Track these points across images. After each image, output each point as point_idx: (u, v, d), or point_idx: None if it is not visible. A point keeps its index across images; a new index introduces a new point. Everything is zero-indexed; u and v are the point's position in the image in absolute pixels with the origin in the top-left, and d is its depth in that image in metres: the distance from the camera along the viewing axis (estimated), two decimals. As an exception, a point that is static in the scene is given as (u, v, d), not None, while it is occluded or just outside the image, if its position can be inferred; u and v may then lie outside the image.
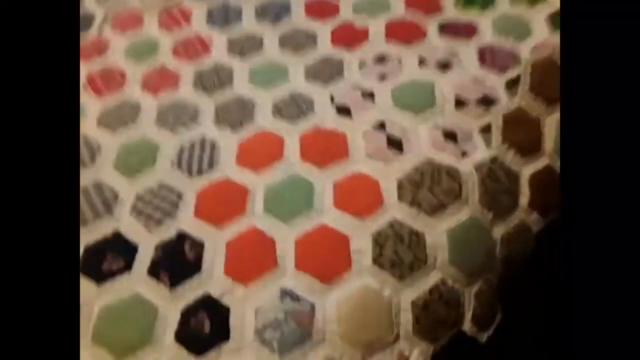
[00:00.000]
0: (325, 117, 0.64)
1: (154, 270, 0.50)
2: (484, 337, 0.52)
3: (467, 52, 0.69)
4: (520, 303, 0.56)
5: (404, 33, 0.73)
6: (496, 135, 0.58)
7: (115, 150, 0.63)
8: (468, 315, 0.50)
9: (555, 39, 0.70)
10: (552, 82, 0.62)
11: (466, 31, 0.73)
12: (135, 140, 0.64)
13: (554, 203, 0.55)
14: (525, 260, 0.56)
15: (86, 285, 0.49)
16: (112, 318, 0.46)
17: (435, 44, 0.71)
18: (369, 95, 0.65)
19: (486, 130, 0.59)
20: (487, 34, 0.72)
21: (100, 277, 0.50)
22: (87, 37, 0.81)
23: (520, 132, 0.59)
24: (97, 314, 0.46)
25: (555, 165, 0.59)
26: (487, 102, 0.62)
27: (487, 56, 0.68)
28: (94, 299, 0.47)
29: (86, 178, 0.60)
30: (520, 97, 0.62)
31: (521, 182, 0.56)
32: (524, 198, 0.56)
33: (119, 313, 0.47)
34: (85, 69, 0.75)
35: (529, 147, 0.59)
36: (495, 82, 0.64)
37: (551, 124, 0.60)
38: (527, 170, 0.57)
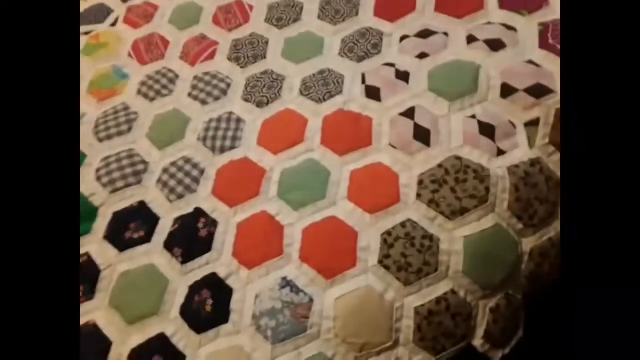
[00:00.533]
0: (352, 98, 0.60)
1: (170, 244, 0.53)
2: (498, 355, 0.48)
3: (527, 28, 0.58)
4: (546, 323, 0.51)
5: (458, 1, 0.64)
6: (543, 132, 0.50)
7: (150, 120, 0.66)
8: (480, 331, 0.47)
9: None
10: None
11: (531, 1, 0.61)
12: (168, 111, 0.66)
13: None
14: (557, 278, 0.49)
15: (110, 251, 0.54)
16: (127, 285, 0.51)
17: (493, 17, 0.62)
18: (403, 75, 0.59)
19: (533, 125, 0.51)
20: (557, 5, 0.60)
21: (122, 244, 0.54)
22: (135, 2, 0.83)
23: None
24: (116, 279, 0.51)
25: None
26: (539, 91, 0.53)
27: (551, 34, 0.57)
28: (115, 264, 0.52)
29: (121, 145, 0.64)
30: None
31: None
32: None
33: (133, 281, 0.51)
34: (133, 36, 0.78)
35: None
36: (554, 68, 0.54)
37: None
38: None
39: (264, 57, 0.69)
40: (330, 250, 0.49)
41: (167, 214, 0.56)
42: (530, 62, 0.55)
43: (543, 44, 0.57)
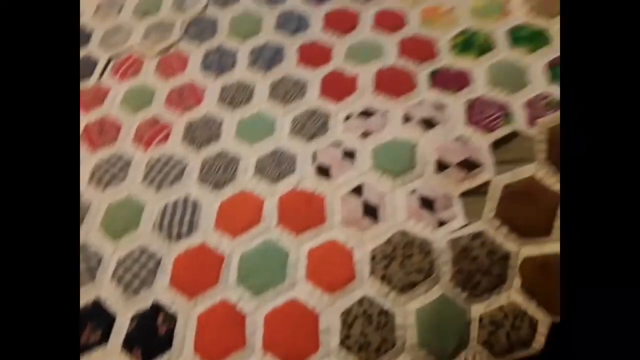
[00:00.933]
0: (305, 177, 0.64)
1: (128, 344, 0.52)
2: None
3: (455, 106, 0.66)
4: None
5: (393, 83, 0.72)
6: (490, 207, 0.55)
7: (104, 210, 0.66)
8: None
9: (552, 90, 0.66)
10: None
11: (458, 81, 0.70)
12: (122, 200, 0.66)
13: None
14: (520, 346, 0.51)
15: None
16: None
17: (425, 96, 0.69)
18: (350, 155, 0.64)
19: (467, 196, 0.57)
20: (479, 84, 0.69)
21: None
22: (87, 85, 0.84)
23: (525, 208, 0.54)
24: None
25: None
26: (470, 165, 0.59)
27: (475, 111, 0.65)
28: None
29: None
30: (537, 167, 0.57)
31: (510, 263, 0.52)
32: (516, 281, 0.51)
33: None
34: (84, 121, 0.79)
35: (534, 226, 0.53)
36: (481, 143, 0.61)
37: None
38: (525, 252, 0.52)
39: (219, 138, 0.72)
40: (293, 336, 0.51)
41: (124, 311, 0.55)
42: (460, 138, 0.62)
43: (470, 120, 0.64)
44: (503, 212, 0.54)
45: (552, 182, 0.55)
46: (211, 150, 0.71)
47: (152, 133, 0.75)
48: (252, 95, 0.76)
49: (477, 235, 0.53)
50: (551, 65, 0.68)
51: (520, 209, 0.54)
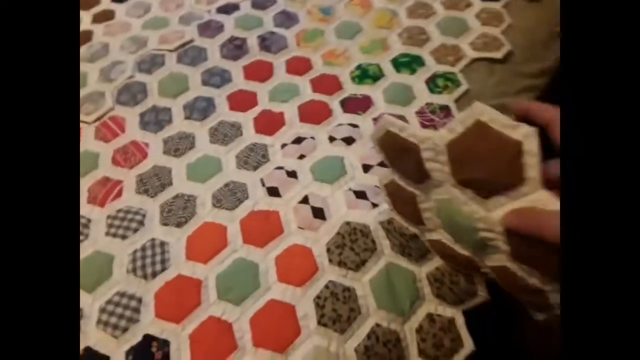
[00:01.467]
0: (259, 199, 0.74)
1: (127, 377, 0.56)
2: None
3: (365, 125, 0.83)
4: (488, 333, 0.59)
5: (314, 114, 0.87)
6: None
7: (72, 268, 0.68)
8: (413, 350, 0.59)
9: (434, 99, 0.87)
10: (401, 161, 0.56)
11: (363, 105, 0.88)
12: (90, 255, 0.70)
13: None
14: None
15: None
16: None
17: (340, 120, 0.86)
18: (293, 174, 0.77)
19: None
20: (379, 105, 0.88)
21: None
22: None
23: (399, 205, 0.63)
24: None
25: (437, 237, 0.59)
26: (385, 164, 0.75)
27: (382, 124, 0.83)
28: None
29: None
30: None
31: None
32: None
33: None
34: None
35: (410, 218, 0.62)
36: (391, 146, 0.78)
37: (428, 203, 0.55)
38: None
39: (171, 184, 0.80)
40: (277, 329, 0.59)
41: (117, 350, 0.58)
42: (374, 147, 0.79)
43: (378, 132, 0.81)
44: (392, 206, 0.67)
45: (403, 186, 0.59)
46: (167, 195, 0.78)
47: (105, 192, 0.80)
48: (195, 142, 0.86)
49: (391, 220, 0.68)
50: (427, 81, 0.90)
51: (397, 205, 0.64)
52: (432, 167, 0.48)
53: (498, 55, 0.93)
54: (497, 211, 0.43)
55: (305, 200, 0.72)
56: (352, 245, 0.65)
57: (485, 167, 0.42)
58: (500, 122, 0.40)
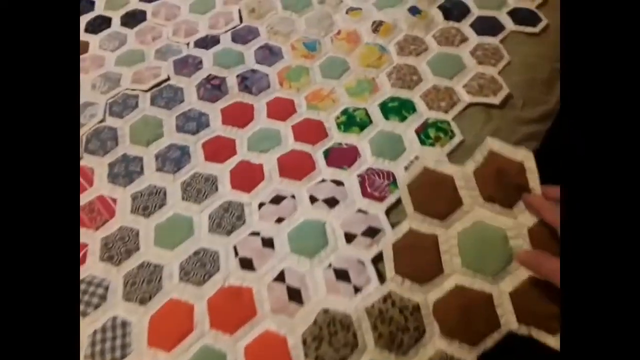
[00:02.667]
0: (230, 273, 0.68)
1: None
2: None
3: (350, 182, 0.77)
4: None
5: (295, 167, 0.80)
6: (389, 267, 0.64)
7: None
8: None
9: (425, 152, 0.80)
10: (434, 195, 0.64)
11: (349, 156, 0.81)
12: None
13: (478, 329, 0.54)
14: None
15: None
16: None
17: (324, 174, 0.79)
18: (269, 242, 0.70)
19: (377, 261, 0.66)
20: (366, 157, 0.81)
21: None
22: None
23: (414, 259, 0.62)
24: None
25: (466, 284, 0.58)
26: (372, 232, 0.69)
27: (368, 183, 0.76)
28: None
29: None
30: (409, 221, 0.66)
31: (423, 313, 0.59)
32: (434, 327, 0.58)
33: None
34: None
35: (429, 271, 0.60)
36: (377, 211, 0.72)
37: (449, 239, 0.60)
38: (431, 297, 0.60)
39: (138, 249, 0.73)
40: None
41: None
42: (360, 210, 0.72)
43: (365, 193, 0.75)
44: (400, 267, 0.63)
45: (425, 228, 0.64)
46: (132, 263, 0.71)
47: (65, 259, 0.73)
48: (165, 199, 0.79)
49: (386, 297, 0.61)
50: (418, 130, 0.83)
51: (411, 260, 0.62)
52: (463, 193, 0.62)
53: (495, 100, 0.85)
54: (521, 216, 0.58)
55: (281, 276, 0.66)
56: (331, 339, 0.58)
57: (503, 183, 0.59)
58: (507, 149, 0.62)
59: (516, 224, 0.57)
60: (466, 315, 0.55)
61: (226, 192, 0.79)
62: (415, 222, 0.65)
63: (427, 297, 0.60)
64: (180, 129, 0.89)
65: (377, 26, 1.03)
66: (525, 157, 0.59)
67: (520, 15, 1.01)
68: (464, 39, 0.98)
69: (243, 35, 1.06)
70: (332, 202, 0.74)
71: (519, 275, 0.55)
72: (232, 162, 0.83)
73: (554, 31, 1.00)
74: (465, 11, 1.04)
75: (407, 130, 0.84)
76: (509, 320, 0.54)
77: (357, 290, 0.63)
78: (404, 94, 0.90)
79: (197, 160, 0.84)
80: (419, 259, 0.62)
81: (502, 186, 0.59)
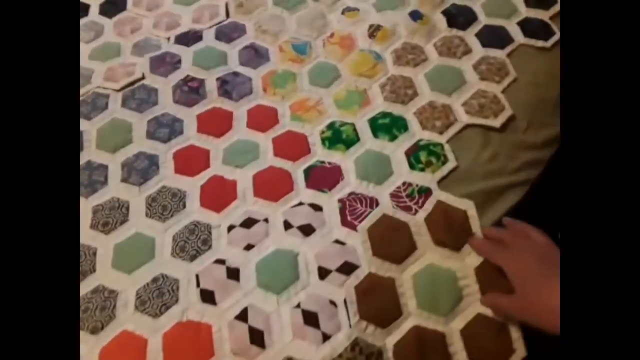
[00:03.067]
0: (189, 306, 0.61)
1: None
2: None
3: (330, 207, 0.70)
4: None
5: (272, 186, 0.73)
6: (352, 312, 0.59)
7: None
8: None
9: (414, 178, 0.73)
10: (393, 238, 0.65)
11: (331, 177, 0.74)
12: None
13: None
14: None
15: None
16: None
17: (302, 197, 0.72)
18: (234, 274, 0.64)
19: (347, 303, 0.60)
20: (350, 179, 0.74)
21: None
22: None
23: (376, 302, 0.59)
24: None
25: (422, 324, 0.58)
26: (348, 269, 0.62)
27: (348, 211, 0.69)
28: None
29: None
30: (368, 264, 0.63)
31: (386, 357, 0.56)
32: None
33: None
34: None
35: (389, 314, 0.59)
36: (356, 244, 0.65)
37: (408, 282, 0.61)
38: (391, 340, 0.57)
39: (94, 270, 0.67)
40: None
41: None
42: (337, 241, 0.65)
43: (344, 221, 0.68)
44: (363, 312, 0.59)
45: (384, 271, 0.62)
46: (86, 286, 0.65)
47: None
48: (128, 214, 0.73)
49: (354, 344, 0.56)
50: (408, 152, 0.76)
51: (372, 304, 0.60)
52: (417, 239, 0.65)
53: (495, 123, 0.78)
54: (468, 258, 0.63)
55: (244, 314, 0.59)
56: (293, 395, 0.53)
57: (450, 228, 0.65)
58: (452, 199, 0.69)
59: (464, 265, 0.62)
60: (422, 356, 0.55)
61: (194, 211, 0.72)
62: (374, 266, 0.63)
63: (388, 340, 0.57)
64: (151, 135, 0.82)
65: (374, 30, 0.95)
66: (467, 206, 0.67)
67: (531, 27, 0.92)
68: (468, 51, 0.89)
69: (228, 33, 0.98)
70: (307, 230, 0.67)
71: (468, 313, 0.58)
72: (204, 176, 0.76)
73: (565, 45, 0.92)
74: (471, 18, 0.95)
75: (396, 151, 0.76)
76: (460, 358, 0.55)
77: (325, 338, 0.56)
78: (396, 109, 0.82)
79: (166, 171, 0.77)
80: (379, 303, 0.60)
81: (450, 231, 0.65)
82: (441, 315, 0.59)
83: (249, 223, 0.69)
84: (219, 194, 0.74)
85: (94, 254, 0.69)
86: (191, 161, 0.78)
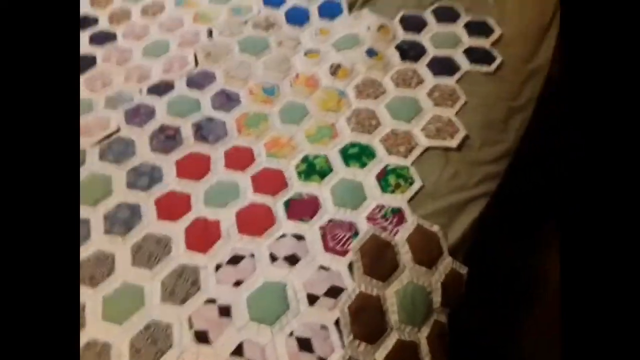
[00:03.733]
0: (185, 348, 0.62)
1: None
2: None
3: (311, 236, 0.74)
4: None
5: (255, 222, 0.77)
6: (346, 332, 0.62)
7: None
8: None
9: (386, 200, 0.79)
10: (382, 259, 0.70)
11: (310, 207, 0.78)
12: None
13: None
14: None
15: None
16: None
17: (285, 229, 0.76)
18: (226, 311, 0.66)
19: (338, 324, 0.63)
20: (328, 207, 0.78)
21: None
22: None
23: (366, 320, 0.63)
24: None
25: (404, 337, 0.63)
26: (335, 292, 0.66)
27: (329, 237, 0.73)
28: None
29: None
30: (358, 283, 0.67)
31: None
32: None
33: None
34: None
35: (377, 330, 0.63)
36: (340, 267, 0.69)
37: (392, 298, 0.66)
38: (379, 355, 0.61)
39: (84, 325, 0.67)
40: None
41: None
42: (322, 267, 0.69)
43: (326, 247, 0.72)
44: (355, 331, 0.62)
45: (372, 289, 0.68)
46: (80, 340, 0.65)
47: None
48: (114, 265, 0.73)
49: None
50: (379, 177, 0.82)
51: (363, 322, 0.63)
52: (399, 257, 0.71)
53: (452, 143, 0.86)
54: (436, 274, 0.71)
55: (239, 350, 0.61)
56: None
57: (427, 249, 0.73)
58: (427, 223, 0.76)
59: (434, 280, 0.69)
60: None
61: (180, 254, 0.74)
62: (363, 284, 0.67)
63: (377, 355, 0.62)
64: (131, 185, 0.84)
65: (335, 69, 1.03)
66: (437, 229, 0.75)
67: (475, 55, 1.04)
68: (421, 81, 0.99)
69: (198, 81, 1.03)
70: (293, 260, 0.70)
71: (432, 322, 0.67)
72: (187, 219, 0.79)
73: (508, 69, 1.03)
74: (421, 51, 1.06)
75: (367, 176, 0.82)
76: None
77: (321, 361, 0.59)
78: (363, 139, 0.89)
79: (149, 219, 0.79)
80: (369, 320, 0.64)
81: (427, 251, 0.71)
82: (416, 326, 0.65)
83: (235, 260, 0.72)
84: (203, 235, 0.76)
85: (84, 309, 0.69)
86: (173, 206, 0.81)
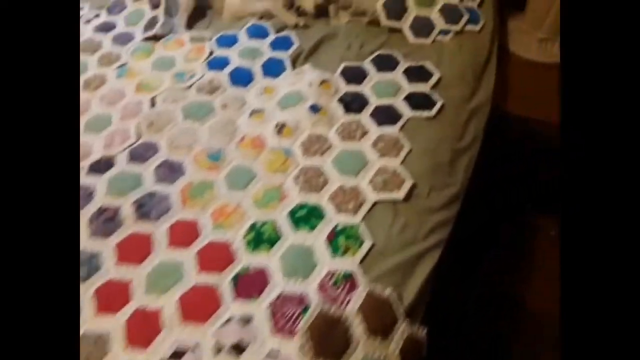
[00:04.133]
0: None
1: None
2: None
3: (259, 316, 0.69)
4: None
5: (199, 307, 0.72)
6: None
7: None
8: None
9: (337, 264, 0.75)
10: (332, 336, 0.66)
11: (258, 282, 0.74)
12: None
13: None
14: None
15: None
16: None
17: (231, 311, 0.71)
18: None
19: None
20: (277, 280, 0.74)
21: None
22: None
23: None
24: None
25: None
26: (286, 382, 0.61)
27: (278, 315, 0.69)
28: None
29: None
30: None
31: None
32: None
33: None
34: None
35: None
36: (289, 350, 0.64)
37: None
38: None
39: None
40: None
41: None
42: (270, 354, 0.64)
43: (276, 328, 0.67)
44: None
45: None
46: None
47: None
48: None
49: None
50: (329, 238, 0.79)
51: None
52: (352, 332, 0.68)
53: (400, 195, 0.84)
54: (392, 344, 0.68)
55: None
56: None
57: (380, 316, 0.69)
58: (379, 288, 0.73)
59: (391, 350, 0.67)
60: None
61: (118, 355, 0.68)
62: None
63: None
64: (66, 277, 0.78)
65: (280, 128, 1.02)
66: (389, 292, 0.72)
67: (415, 100, 1.05)
68: (365, 132, 0.98)
69: (141, 153, 1.00)
70: (239, 349, 0.65)
71: None
72: (126, 311, 0.73)
73: (450, 110, 1.04)
74: (364, 102, 1.06)
75: (317, 240, 0.79)
76: None
77: None
78: (312, 198, 0.87)
79: (86, 314, 0.73)
80: None
81: (380, 319, 0.68)
82: None
83: (178, 355, 0.66)
84: (143, 329, 0.70)
85: None
86: (111, 298, 0.75)
